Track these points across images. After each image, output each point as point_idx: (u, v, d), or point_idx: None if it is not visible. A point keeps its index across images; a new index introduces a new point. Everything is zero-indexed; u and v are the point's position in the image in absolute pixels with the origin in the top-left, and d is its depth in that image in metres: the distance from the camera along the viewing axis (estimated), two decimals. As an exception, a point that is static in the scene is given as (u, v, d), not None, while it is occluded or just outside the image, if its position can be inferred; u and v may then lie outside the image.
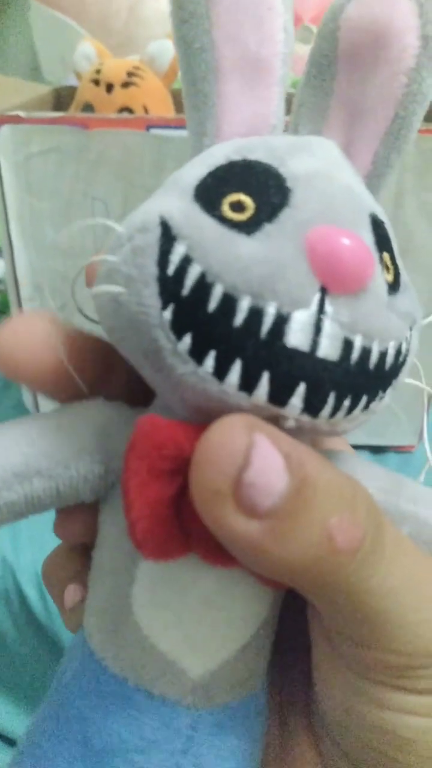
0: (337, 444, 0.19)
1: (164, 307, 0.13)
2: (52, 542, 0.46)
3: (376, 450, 0.52)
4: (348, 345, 0.12)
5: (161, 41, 0.48)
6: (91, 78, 0.48)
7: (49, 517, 0.18)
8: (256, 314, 0.12)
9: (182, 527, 0.13)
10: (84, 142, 0.39)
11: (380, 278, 0.13)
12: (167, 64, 0.48)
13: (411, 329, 0.14)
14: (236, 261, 0.12)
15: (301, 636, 0.18)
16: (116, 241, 0.14)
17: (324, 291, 0.12)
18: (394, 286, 0.14)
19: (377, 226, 0.14)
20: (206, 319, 0.12)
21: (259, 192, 0.13)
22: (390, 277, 0.14)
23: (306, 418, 0.13)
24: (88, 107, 0.48)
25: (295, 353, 0.12)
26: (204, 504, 0.12)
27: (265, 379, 0.12)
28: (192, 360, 0.12)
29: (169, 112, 0.50)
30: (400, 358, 0.14)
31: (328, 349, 0.12)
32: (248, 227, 0.13)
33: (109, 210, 0.41)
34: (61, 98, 0.54)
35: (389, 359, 0.13)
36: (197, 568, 0.14)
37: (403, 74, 0.15)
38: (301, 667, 0.19)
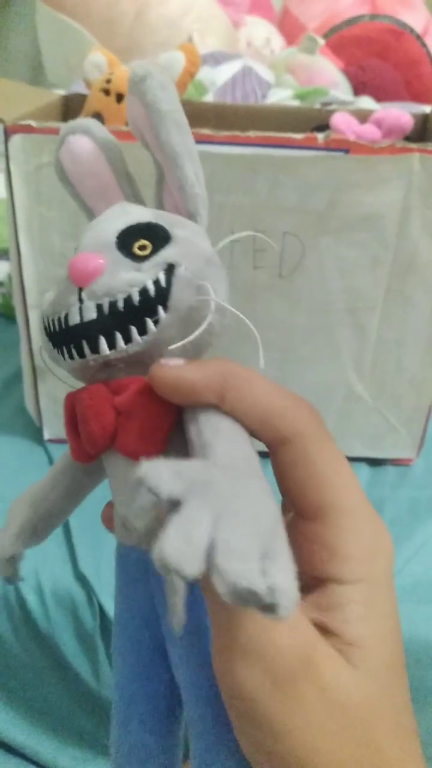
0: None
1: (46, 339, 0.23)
2: (52, 550, 0.46)
3: (374, 462, 0.52)
4: (99, 306, 0.21)
5: (172, 52, 0.48)
6: (101, 87, 0.48)
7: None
8: (59, 320, 0.22)
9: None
10: (94, 153, 0.39)
11: (116, 263, 0.21)
12: (177, 75, 0.48)
13: (166, 270, 0.21)
14: (47, 300, 0.23)
15: None
16: None
17: (80, 289, 0.21)
18: (149, 256, 0.21)
19: (126, 233, 0.22)
20: (48, 335, 0.23)
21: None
22: (145, 252, 0.21)
23: (97, 356, 0.21)
24: (97, 117, 0.49)
25: (74, 327, 0.21)
26: None
27: (72, 349, 0.22)
28: (56, 352, 0.23)
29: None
30: (150, 293, 0.21)
31: (89, 314, 0.21)
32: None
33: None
34: (70, 106, 0.54)
35: (135, 298, 0.21)
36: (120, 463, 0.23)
37: (158, 143, 0.23)
38: None
